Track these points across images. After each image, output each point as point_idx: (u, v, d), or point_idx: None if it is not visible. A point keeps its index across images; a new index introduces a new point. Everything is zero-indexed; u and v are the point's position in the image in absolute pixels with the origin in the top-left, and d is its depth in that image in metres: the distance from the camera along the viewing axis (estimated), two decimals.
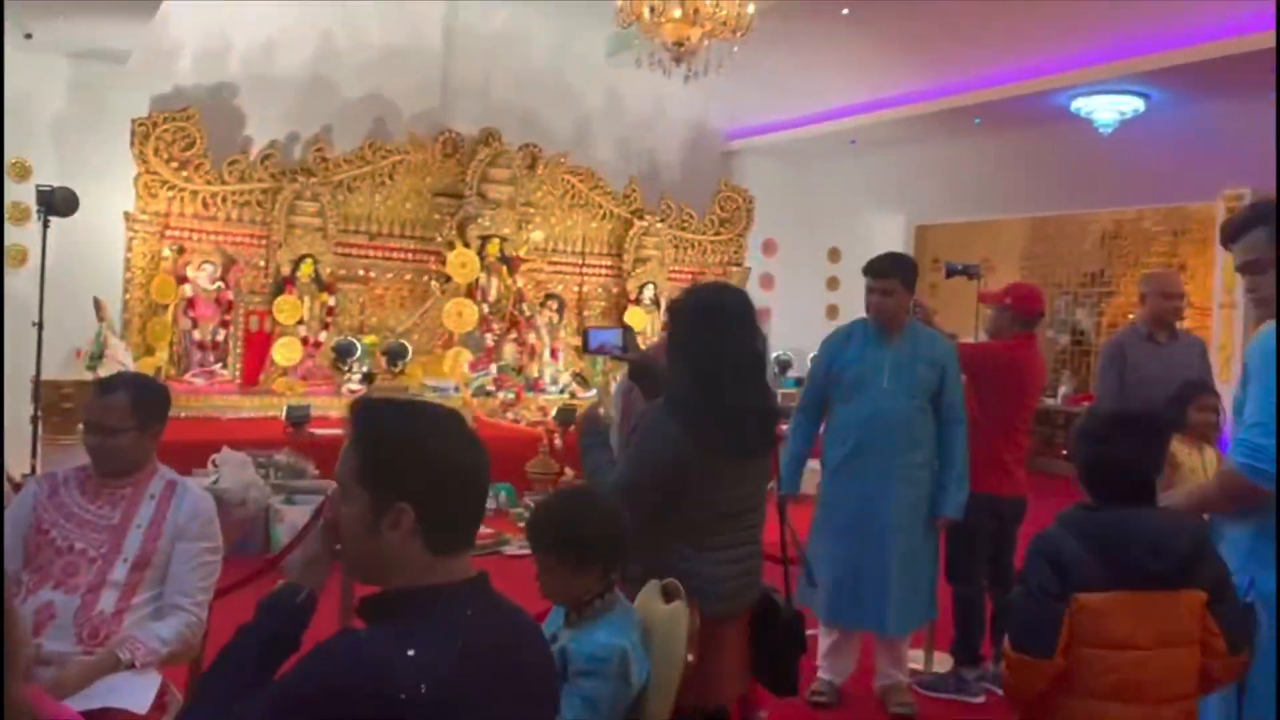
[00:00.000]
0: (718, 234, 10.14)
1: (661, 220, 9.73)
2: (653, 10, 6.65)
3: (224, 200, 8.07)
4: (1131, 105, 7.82)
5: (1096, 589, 2.08)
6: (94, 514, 2.67)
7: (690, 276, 9.97)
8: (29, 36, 7.57)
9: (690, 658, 2.10)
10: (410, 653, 1.41)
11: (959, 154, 9.72)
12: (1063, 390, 10.23)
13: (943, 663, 4.30)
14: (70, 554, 2.60)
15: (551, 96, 9.80)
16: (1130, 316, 9.71)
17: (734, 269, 10.15)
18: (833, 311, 10.53)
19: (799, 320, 10.26)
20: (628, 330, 3.00)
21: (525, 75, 9.63)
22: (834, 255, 10.91)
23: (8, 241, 8.10)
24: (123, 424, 2.66)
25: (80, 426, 2.80)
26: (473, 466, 1.56)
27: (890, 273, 3.78)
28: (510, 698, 1.51)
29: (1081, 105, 7.96)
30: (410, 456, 1.51)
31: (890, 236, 10.12)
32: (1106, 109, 7.88)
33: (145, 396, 2.73)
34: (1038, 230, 11.09)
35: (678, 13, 6.62)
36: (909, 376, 3.74)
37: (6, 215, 8.09)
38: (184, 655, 2.72)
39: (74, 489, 2.71)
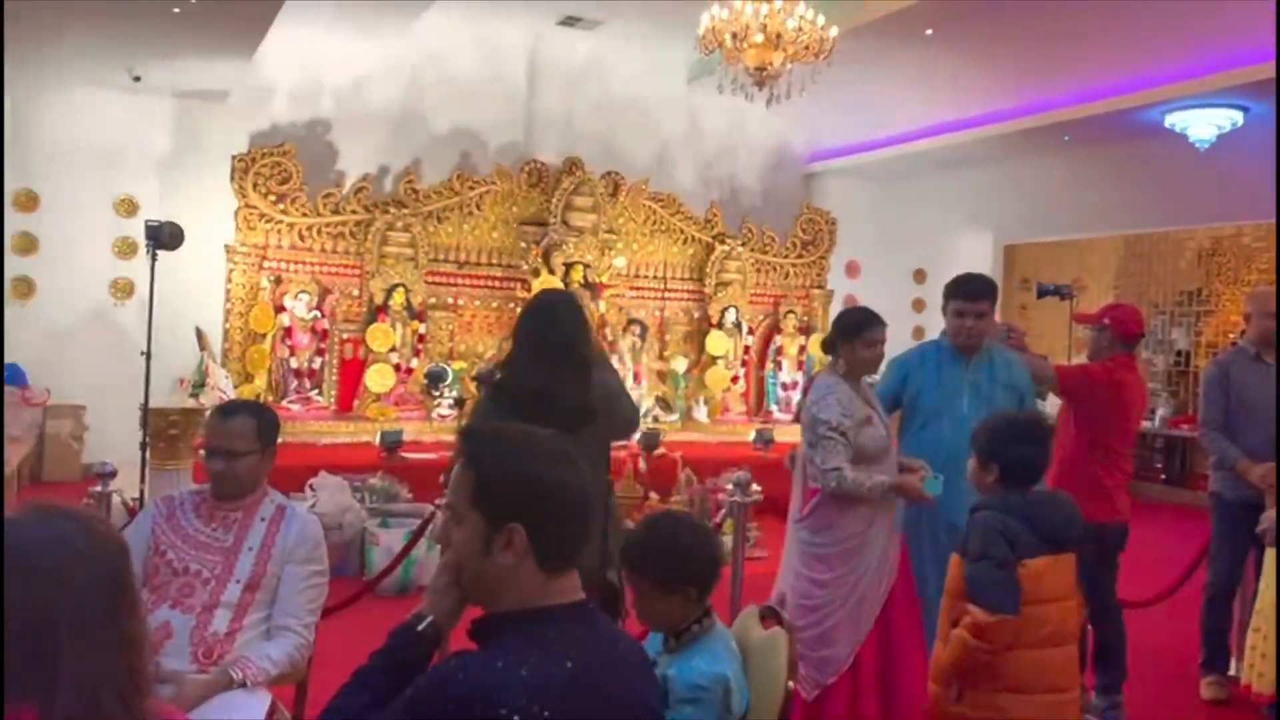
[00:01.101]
0: (800, 256, 10.12)
1: (743, 244, 9.74)
2: (735, 36, 6.69)
3: (319, 232, 8.33)
4: (1229, 118, 7.60)
5: (1032, 556, 2.56)
6: (208, 536, 2.77)
7: (772, 300, 9.97)
8: (138, 79, 7.95)
9: (791, 684, 2.09)
10: (523, 673, 1.45)
11: (1048, 171, 9.55)
12: (1160, 413, 9.92)
13: None
14: (186, 575, 2.70)
15: (632, 124, 9.92)
16: (1231, 336, 9.40)
17: (816, 291, 10.11)
18: (919, 333, 10.39)
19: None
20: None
21: (606, 104, 9.77)
22: (919, 276, 10.78)
23: (115, 275, 8.49)
24: (248, 447, 2.76)
25: (201, 451, 2.89)
26: (578, 488, 1.60)
27: (985, 295, 3.66)
28: None
29: (1175, 120, 7.76)
30: (521, 479, 1.56)
31: (977, 256, 9.97)
32: (1203, 123, 7.67)
33: (265, 419, 2.83)
34: (1131, 248, 10.80)
35: (760, 38, 6.65)
36: (989, 401, 3.60)
37: (115, 250, 8.48)
38: (292, 676, 2.80)
39: (189, 511, 2.81)
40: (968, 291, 3.65)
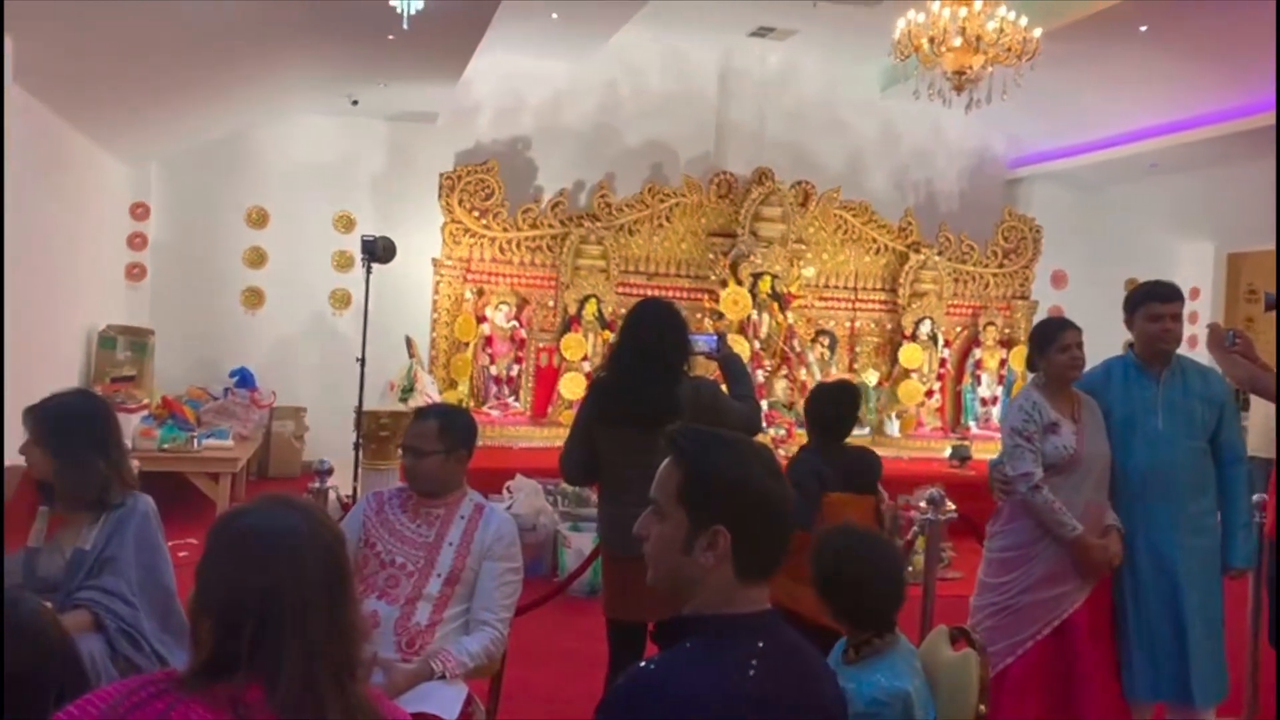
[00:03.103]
0: (1001, 266, 9.71)
1: (939, 253, 9.44)
2: (932, 41, 6.53)
3: (518, 245, 8.66)
4: None
5: (836, 491, 3.50)
6: (413, 531, 2.94)
7: (971, 312, 9.62)
8: (355, 103, 8.52)
9: (983, 708, 2.03)
10: (708, 678, 1.48)
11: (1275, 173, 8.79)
12: None
13: None
14: (392, 567, 2.88)
15: (824, 132, 9.82)
16: None
17: (1019, 302, 9.68)
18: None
19: (1093, 356, 9.57)
20: (722, 336, 3.82)
21: (798, 113, 9.71)
22: (1131, 287, 10.13)
23: (334, 286, 9.11)
24: (431, 447, 2.92)
25: (397, 451, 3.13)
26: (784, 502, 1.61)
27: (1178, 297, 3.50)
28: None
29: None
30: (732, 483, 1.57)
31: (1197, 266, 9.31)
32: None
33: (451, 423, 2.99)
34: None
35: (958, 41, 6.46)
36: (1185, 416, 3.40)
37: (334, 263, 9.10)
38: (487, 669, 2.93)
39: (397, 507, 3.00)
40: (1161, 294, 3.50)
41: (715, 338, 3.64)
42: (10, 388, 5.47)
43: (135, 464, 6.47)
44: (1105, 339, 10.35)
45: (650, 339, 3.32)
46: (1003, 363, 9.49)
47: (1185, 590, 3.35)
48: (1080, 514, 3.32)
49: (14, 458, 3.47)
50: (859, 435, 8.84)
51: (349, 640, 1.49)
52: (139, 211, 8.68)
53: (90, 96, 6.60)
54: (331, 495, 4.27)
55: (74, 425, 2.70)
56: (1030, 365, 3.63)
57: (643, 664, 1.56)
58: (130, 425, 6.86)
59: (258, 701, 1.40)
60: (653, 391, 3.24)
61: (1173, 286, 3.55)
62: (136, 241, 8.67)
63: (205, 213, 8.85)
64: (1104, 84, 8.28)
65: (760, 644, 1.55)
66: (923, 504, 4.01)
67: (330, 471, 4.03)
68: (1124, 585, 3.40)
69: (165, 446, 6.90)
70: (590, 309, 8.60)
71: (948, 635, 2.28)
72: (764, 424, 3.60)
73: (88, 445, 2.69)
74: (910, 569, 6.27)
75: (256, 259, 9.01)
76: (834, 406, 3.71)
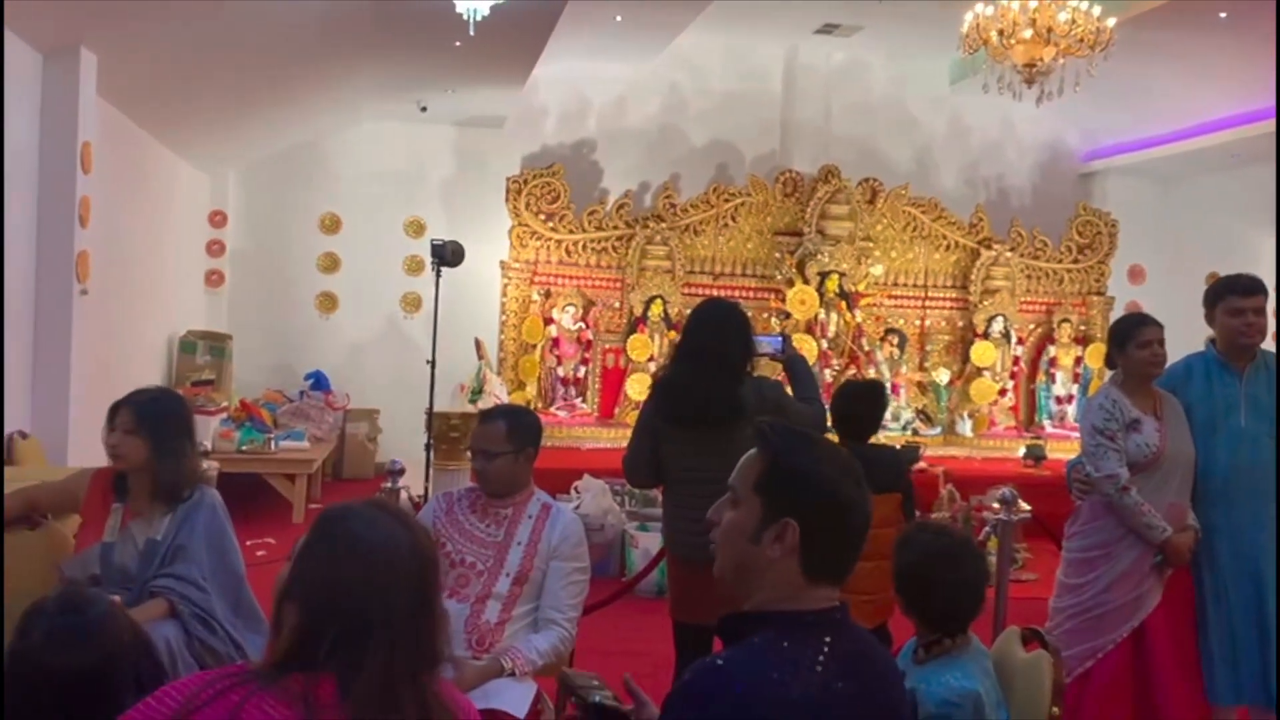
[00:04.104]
0: (1075, 261, 9.49)
1: (1012, 249, 9.27)
2: (1001, 33, 6.41)
3: (584, 248, 8.71)
4: None
5: None
6: (482, 531, 2.99)
7: (1044, 308, 9.42)
8: (424, 109, 8.66)
9: (1056, 710, 1.99)
10: (774, 675, 1.47)
11: None
12: None
13: None
14: (462, 566, 2.93)
15: (892, 129, 9.70)
16: None
17: (1094, 298, 9.45)
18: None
19: (1174, 353, 9.30)
20: (787, 337, 3.84)
21: (865, 110, 9.61)
22: (1213, 280, 9.83)
23: (405, 289, 9.27)
24: (500, 448, 2.97)
25: (466, 452, 3.18)
26: (861, 510, 1.61)
27: (1260, 289, 3.40)
28: None
29: None
30: (809, 479, 1.58)
31: None
32: None
33: (518, 424, 3.04)
34: None
35: (1029, 33, 6.34)
36: (1269, 413, 3.30)
37: (405, 267, 9.26)
38: (555, 666, 2.95)
39: (466, 507, 3.04)
40: (1242, 287, 3.42)
41: (780, 339, 3.63)
42: (97, 392, 5.68)
43: (215, 464, 6.67)
44: (1186, 335, 10.06)
45: (713, 339, 3.30)
46: (1078, 360, 9.27)
47: (1269, 592, 3.25)
48: (1164, 514, 3.25)
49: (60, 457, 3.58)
50: (929, 436, 8.74)
51: (432, 641, 1.53)
52: (218, 219, 8.93)
53: (170, 109, 6.82)
54: (403, 495, 4.36)
55: (169, 416, 2.87)
56: (1109, 362, 3.56)
57: (709, 659, 1.56)
58: (210, 427, 7.06)
59: (329, 696, 1.43)
60: (715, 391, 3.22)
61: (1254, 279, 3.46)
62: (215, 249, 8.92)
63: (280, 219, 9.07)
64: (1182, 73, 8.04)
65: (827, 641, 1.54)
66: (995, 504, 3.96)
67: (402, 472, 4.11)
68: (1205, 586, 3.32)
69: (243, 448, 7.09)
70: (656, 310, 8.62)
71: (1019, 637, 2.25)
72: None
73: (180, 436, 2.87)
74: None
75: (330, 264, 9.20)
76: (857, 406, 3.75)
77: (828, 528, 1.57)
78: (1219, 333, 3.45)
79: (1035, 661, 2.11)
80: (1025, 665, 2.14)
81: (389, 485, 4.02)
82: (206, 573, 2.80)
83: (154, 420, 2.81)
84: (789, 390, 3.51)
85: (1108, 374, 3.62)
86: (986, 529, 4.11)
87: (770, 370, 6.05)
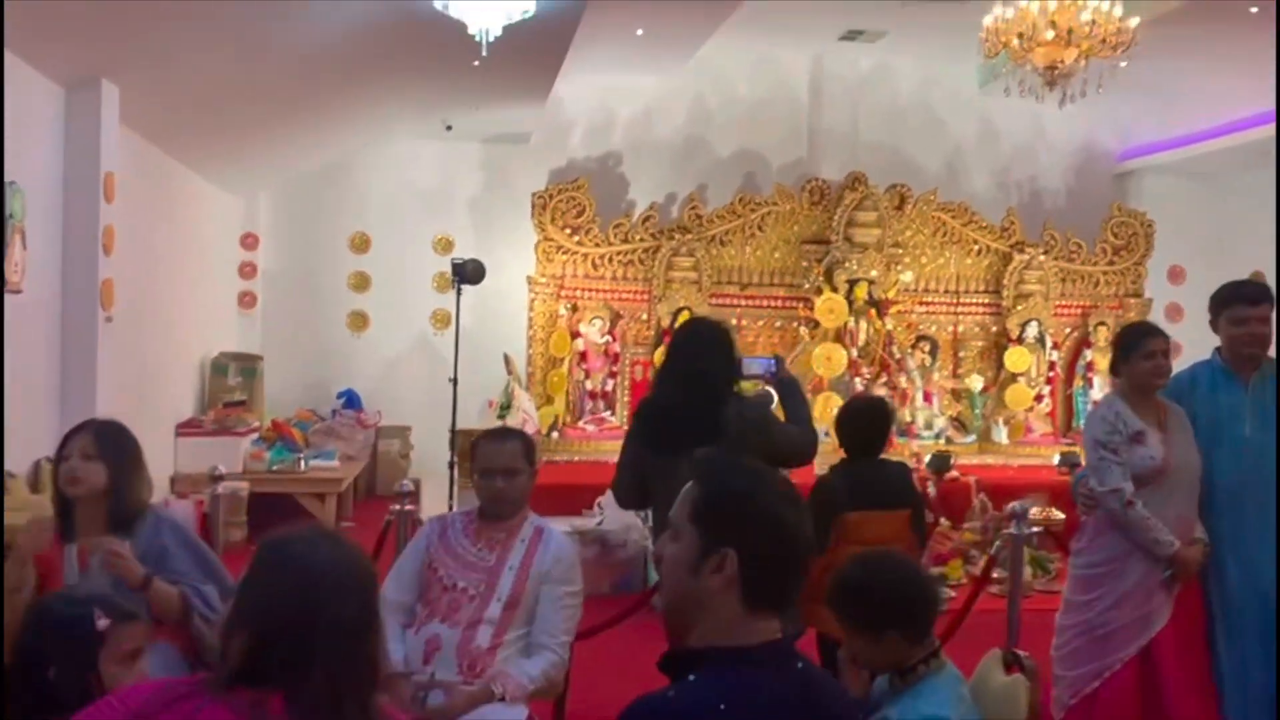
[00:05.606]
0: (1111, 263, 9.31)
1: (1045, 252, 9.11)
2: (1021, 36, 6.32)
3: (610, 260, 8.72)
4: None
5: (852, 510, 3.50)
6: (475, 555, 2.99)
7: (1080, 312, 9.25)
8: (449, 128, 8.74)
9: None
10: (721, 706, 1.46)
11: None
12: None
13: None
14: (454, 591, 2.93)
15: (920, 134, 9.61)
16: None
17: (1132, 300, 9.26)
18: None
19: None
20: (779, 360, 3.63)
21: (892, 115, 9.53)
22: (1256, 279, 9.59)
23: (435, 306, 9.34)
24: (520, 466, 3.00)
25: (475, 475, 3.13)
26: (794, 526, 1.58)
27: (1266, 298, 3.31)
28: None
29: None
30: (742, 505, 1.56)
31: None
32: None
33: (528, 442, 3.10)
34: None
35: (1050, 35, 6.24)
36: (1276, 422, 3.21)
37: (434, 284, 9.33)
38: (549, 692, 2.96)
39: (460, 531, 3.05)
40: (1246, 295, 3.33)
41: (773, 361, 3.56)
42: (126, 417, 5.79)
43: (245, 485, 6.75)
44: None
45: (692, 361, 3.27)
46: None
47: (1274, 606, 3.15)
48: (1171, 528, 3.17)
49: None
50: (963, 444, 8.62)
51: (375, 657, 1.59)
52: (249, 241, 9.08)
53: (196, 135, 6.95)
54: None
55: (125, 440, 2.85)
56: (1113, 371, 3.48)
57: (657, 692, 1.55)
58: (240, 448, 7.18)
59: (279, 711, 1.49)
60: (695, 414, 3.18)
61: (1260, 287, 3.38)
62: (247, 270, 9.07)
63: (311, 240, 9.21)
64: (1216, 69, 7.86)
65: (768, 677, 1.52)
66: (1030, 512, 3.91)
67: (411, 494, 4.13)
68: (1214, 602, 3.23)
69: (274, 468, 7.19)
70: (683, 320, 8.59)
71: (1001, 660, 2.21)
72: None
73: (137, 462, 2.85)
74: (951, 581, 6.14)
75: (361, 283, 9.31)
76: (861, 423, 3.73)
77: (767, 555, 1.54)
78: (1224, 341, 3.37)
79: (1012, 687, 2.07)
80: (1002, 690, 2.09)
81: (397, 508, 4.04)
82: (192, 569, 2.77)
83: (113, 445, 2.79)
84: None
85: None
86: (996, 543, 4.02)
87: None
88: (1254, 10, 6.73)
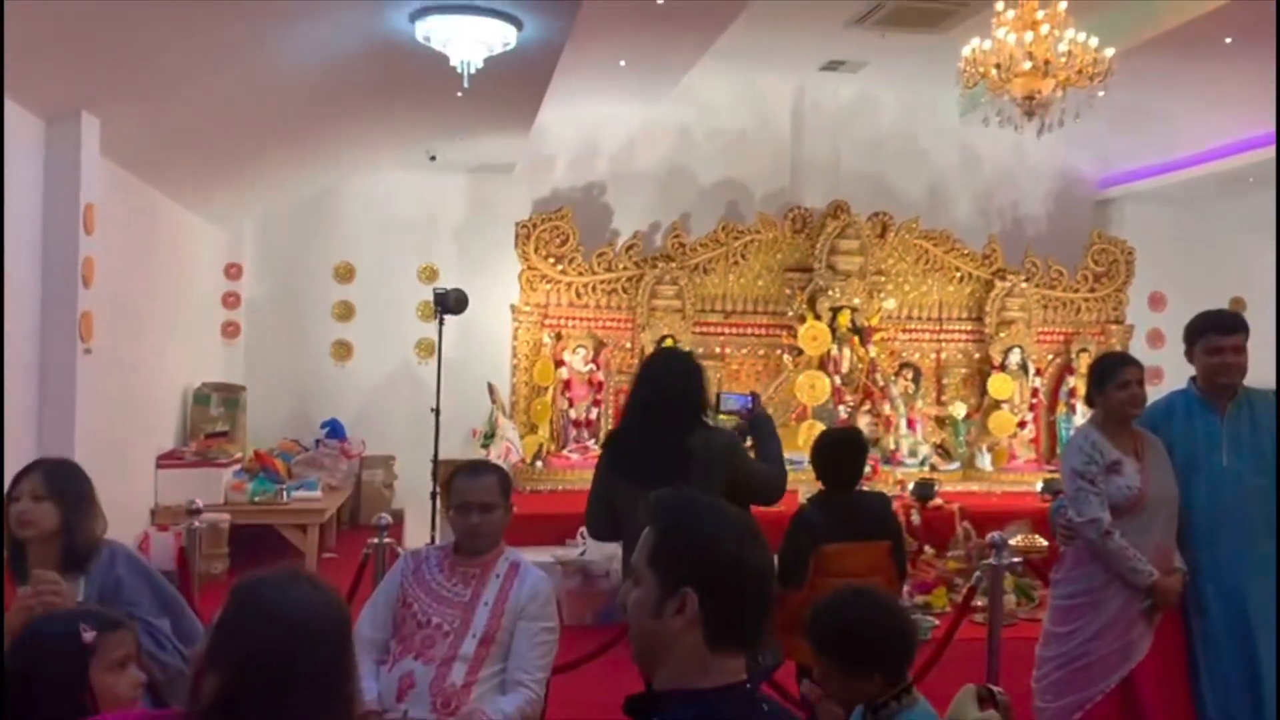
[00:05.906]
0: (1092, 290, 9.38)
1: (1027, 279, 9.17)
2: (999, 67, 6.39)
3: (594, 289, 8.73)
4: None
5: (832, 542, 3.46)
6: (449, 591, 2.97)
7: (1063, 339, 9.30)
8: (433, 158, 8.76)
9: None
10: None
11: None
12: None
13: None
14: (428, 627, 2.91)
15: (902, 162, 9.68)
16: None
17: (1113, 327, 9.31)
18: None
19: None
20: (756, 396, 3.62)
21: (874, 144, 9.60)
22: (1237, 305, 9.67)
23: (419, 336, 9.32)
24: (496, 501, 2.98)
25: (450, 511, 3.11)
26: (756, 564, 1.57)
27: (1240, 327, 3.33)
28: None
29: None
30: (700, 545, 1.55)
31: None
32: None
33: (504, 476, 3.09)
34: None
35: (1027, 65, 6.30)
36: (1252, 451, 3.23)
37: (418, 313, 9.32)
38: None
39: (434, 566, 3.03)
40: (1220, 325, 3.35)
41: (749, 398, 3.57)
42: (106, 449, 5.76)
43: (227, 517, 6.70)
44: None
45: (657, 392, 3.26)
46: None
47: (1259, 637, 3.15)
48: (1150, 558, 3.18)
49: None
50: (947, 471, 8.62)
51: (346, 706, 1.60)
52: (233, 271, 9.07)
53: (179, 166, 6.95)
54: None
55: (76, 479, 2.80)
56: (1089, 401, 3.50)
57: None
58: (222, 479, 7.13)
59: None
60: (660, 444, 3.17)
61: (1235, 317, 3.40)
62: (230, 300, 9.05)
63: (295, 269, 9.19)
64: (1194, 98, 7.96)
65: (733, 715, 1.52)
66: (1013, 541, 3.91)
67: (388, 527, 4.10)
68: (1195, 632, 3.23)
69: (255, 499, 7.14)
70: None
71: (975, 695, 2.20)
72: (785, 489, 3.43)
73: (88, 499, 2.79)
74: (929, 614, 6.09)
75: (345, 312, 9.30)
76: (836, 453, 3.71)
77: (726, 593, 1.53)
78: (1198, 370, 3.39)
79: None
80: None
81: (375, 541, 4.01)
82: (145, 599, 2.73)
83: (63, 485, 2.74)
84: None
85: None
86: (976, 574, 4.02)
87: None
88: (1228, 41, 6.83)
